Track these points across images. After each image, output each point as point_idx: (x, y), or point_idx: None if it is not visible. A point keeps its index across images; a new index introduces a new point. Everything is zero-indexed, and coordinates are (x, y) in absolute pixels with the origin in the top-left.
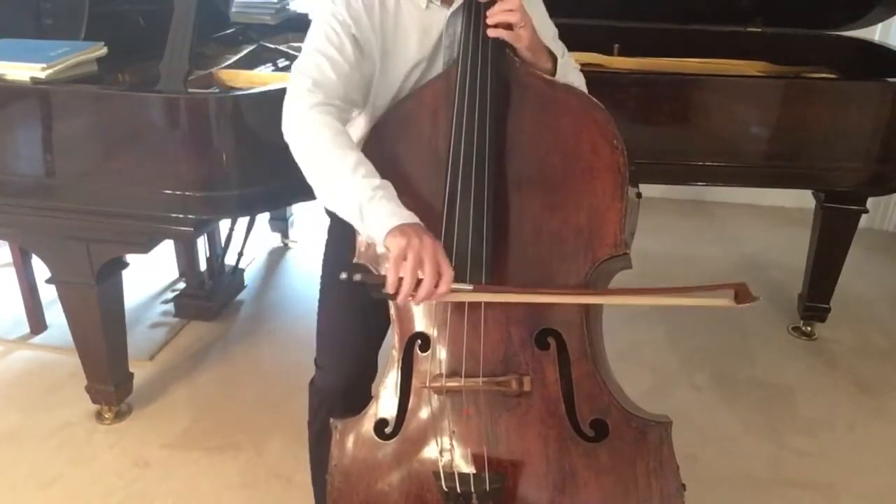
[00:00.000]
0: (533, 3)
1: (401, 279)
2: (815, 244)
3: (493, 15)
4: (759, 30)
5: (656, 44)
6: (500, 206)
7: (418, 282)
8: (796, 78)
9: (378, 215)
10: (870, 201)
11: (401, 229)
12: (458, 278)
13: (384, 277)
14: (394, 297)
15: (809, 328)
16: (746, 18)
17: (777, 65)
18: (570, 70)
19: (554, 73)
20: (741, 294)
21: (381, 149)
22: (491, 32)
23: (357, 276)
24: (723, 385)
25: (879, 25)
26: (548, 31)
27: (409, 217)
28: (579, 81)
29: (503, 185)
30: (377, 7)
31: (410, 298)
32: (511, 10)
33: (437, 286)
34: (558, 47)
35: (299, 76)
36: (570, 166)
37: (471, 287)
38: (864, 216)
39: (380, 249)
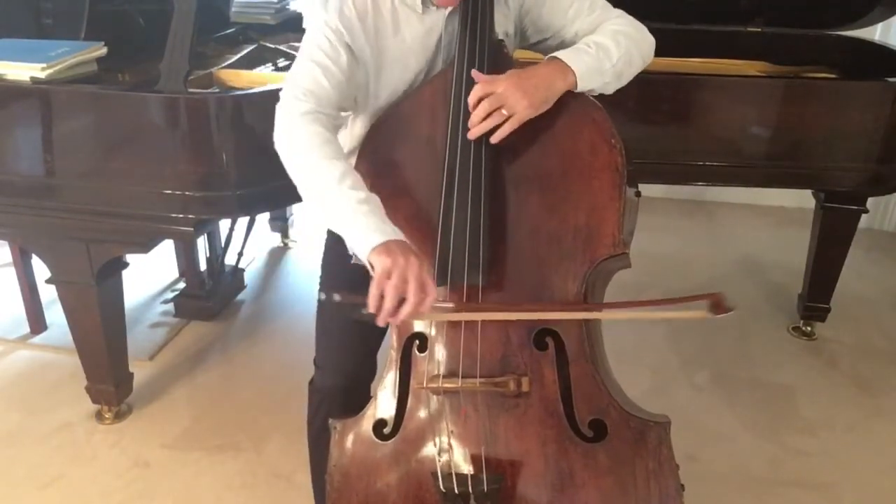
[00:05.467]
0: None
1: (382, 299)
2: (815, 244)
3: (474, 128)
4: (759, 30)
5: (656, 44)
6: (497, 206)
7: (400, 301)
8: (796, 78)
9: (363, 230)
10: (870, 201)
11: (386, 247)
12: (455, 279)
13: (365, 298)
14: (375, 317)
15: (809, 328)
16: (746, 18)
17: (777, 65)
18: (602, 57)
19: (576, 83)
20: (717, 304)
21: (378, 149)
22: (493, 139)
23: (336, 297)
24: (723, 385)
25: (879, 25)
26: (562, 6)
27: (393, 233)
28: (619, 43)
29: (500, 184)
30: (370, 14)
31: (391, 319)
32: (490, 116)
33: (420, 306)
34: (584, 8)
35: (291, 85)
36: (567, 166)
37: (451, 305)
38: (864, 216)
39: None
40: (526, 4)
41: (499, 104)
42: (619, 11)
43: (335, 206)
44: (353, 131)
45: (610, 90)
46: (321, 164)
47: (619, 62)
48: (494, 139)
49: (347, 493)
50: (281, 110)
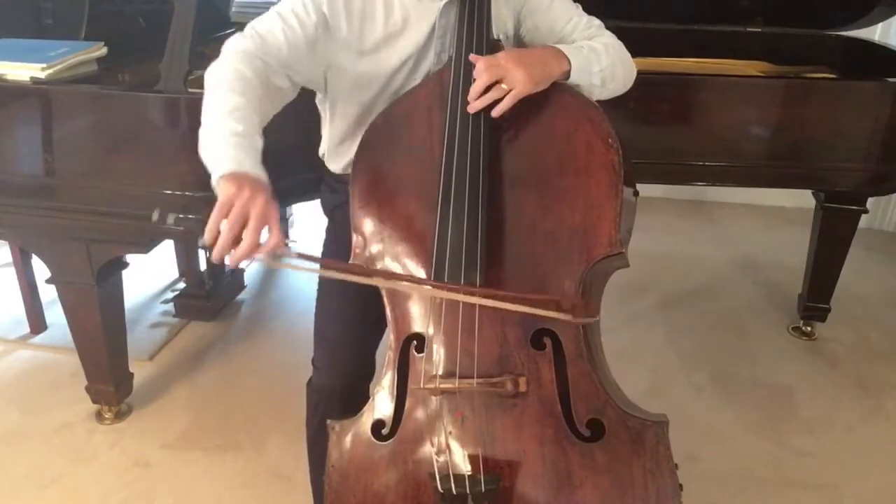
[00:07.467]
0: None
1: (220, 233)
2: (815, 244)
3: (474, 102)
4: (759, 30)
5: (656, 44)
6: (495, 206)
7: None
8: (796, 78)
9: (221, 156)
10: (870, 201)
11: (235, 176)
12: (453, 278)
13: (203, 226)
14: (210, 248)
15: (809, 328)
16: (746, 18)
17: (777, 65)
18: (593, 58)
19: (570, 72)
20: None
21: (376, 149)
22: (494, 113)
23: (171, 218)
24: (723, 385)
25: (879, 25)
26: (561, 16)
27: (251, 169)
28: (609, 53)
29: (497, 184)
30: None
31: (227, 256)
32: (489, 92)
33: (258, 249)
34: (581, 23)
35: (248, 27)
36: (564, 165)
37: (294, 253)
38: (864, 216)
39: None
40: (525, 10)
41: (500, 76)
42: (610, 33)
43: (211, 131)
44: (335, 122)
45: (594, 95)
46: (221, 95)
47: (607, 69)
48: (495, 113)
49: (346, 494)
50: (225, 44)
